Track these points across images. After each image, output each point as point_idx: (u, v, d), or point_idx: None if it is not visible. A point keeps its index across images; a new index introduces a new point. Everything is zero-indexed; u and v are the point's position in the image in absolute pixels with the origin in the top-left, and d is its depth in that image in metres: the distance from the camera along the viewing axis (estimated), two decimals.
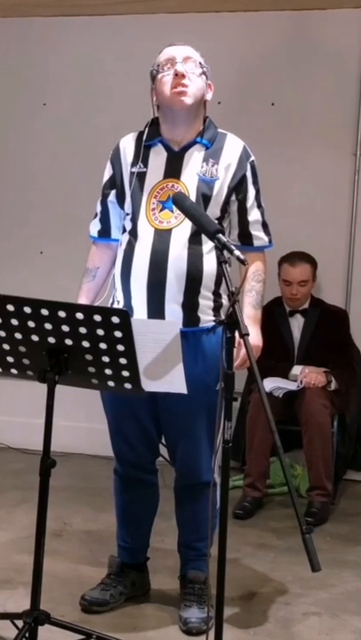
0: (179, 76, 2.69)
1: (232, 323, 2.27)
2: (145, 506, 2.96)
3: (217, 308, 2.75)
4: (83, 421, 4.58)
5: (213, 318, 2.73)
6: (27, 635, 2.31)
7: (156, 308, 2.70)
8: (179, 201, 2.58)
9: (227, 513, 2.30)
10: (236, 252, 2.38)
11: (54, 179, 4.94)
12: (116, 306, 2.80)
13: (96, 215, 2.94)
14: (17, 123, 4.99)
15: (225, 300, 2.76)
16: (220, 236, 2.41)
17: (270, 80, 4.66)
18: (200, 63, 2.75)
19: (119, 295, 2.80)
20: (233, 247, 2.39)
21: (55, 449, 2.35)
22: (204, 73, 2.76)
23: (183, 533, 2.93)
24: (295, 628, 2.83)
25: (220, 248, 2.39)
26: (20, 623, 2.36)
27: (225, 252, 2.38)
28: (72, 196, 4.81)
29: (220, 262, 2.40)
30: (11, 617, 2.46)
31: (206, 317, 2.72)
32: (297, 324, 4.29)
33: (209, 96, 2.81)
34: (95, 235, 2.95)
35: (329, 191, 4.63)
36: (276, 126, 4.62)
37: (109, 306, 2.82)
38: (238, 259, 2.38)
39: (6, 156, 5.03)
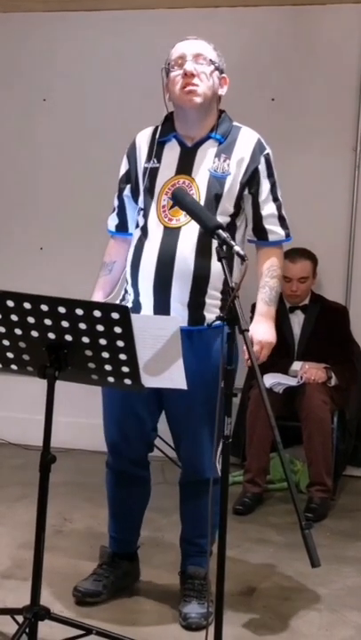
0: (188, 75, 2.67)
1: (232, 319, 2.27)
2: (137, 502, 2.97)
3: (224, 307, 2.72)
4: (82, 417, 4.58)
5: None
6: (27, 630, 2.32)
7: (161, 306, 2.70)
8: (178, 197, 2.57)
9: (227, 509, 2.31)
10: (236, 248, 2.37)
11: (54, 175, 4.93)
12: (125, 299, 2.80)
13: (114, 209, 2.94)
14: (16, 118, 4.98)
15: None
16: (220, 231, 2.39)
17: (270, 75, 4.66)
18: (211, 60, 2.72)
19: (130, 290, 2.81)
20: (233, 243, 2.38)
21: (55, 445, 2.35)
22: (216, 69, 2.74)
23: (185, 529, 2.94)
24: (295, 623, 2.83)
25: (220, 244, 2.38)
26: (20, 618, 2.36)
27: (224, 248, 2.37)
28: (72, 193, 4.81)
29: (221, 258, 2.38)
30: (11, 612, 2.46)
31: (212, 316, 2.68)
32: (297, 320, 4.29)
33: (223, 91, 2.79)
34: (113, 229, 2.95)
35: (329, 187, 4.63)
36: (275, 122, 4.61)
37: (120, 300, 2.83)
38: (238, 254, 2.37)
39: (6, 152, 5.02)
